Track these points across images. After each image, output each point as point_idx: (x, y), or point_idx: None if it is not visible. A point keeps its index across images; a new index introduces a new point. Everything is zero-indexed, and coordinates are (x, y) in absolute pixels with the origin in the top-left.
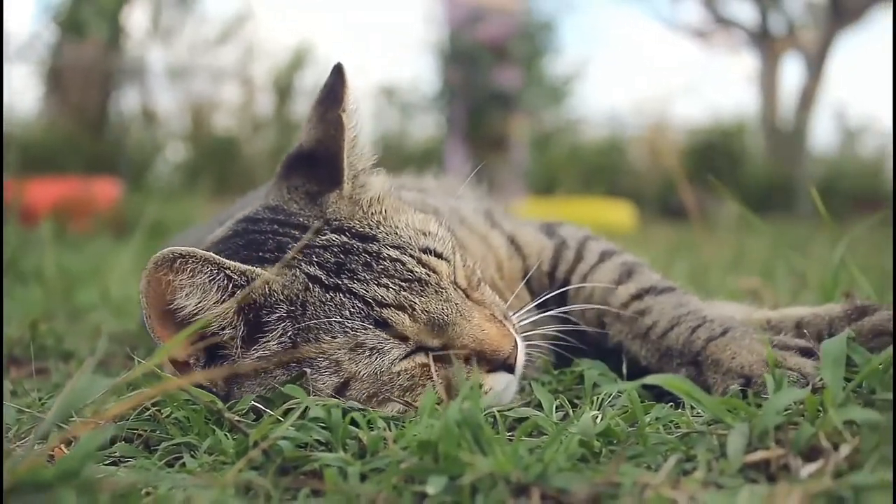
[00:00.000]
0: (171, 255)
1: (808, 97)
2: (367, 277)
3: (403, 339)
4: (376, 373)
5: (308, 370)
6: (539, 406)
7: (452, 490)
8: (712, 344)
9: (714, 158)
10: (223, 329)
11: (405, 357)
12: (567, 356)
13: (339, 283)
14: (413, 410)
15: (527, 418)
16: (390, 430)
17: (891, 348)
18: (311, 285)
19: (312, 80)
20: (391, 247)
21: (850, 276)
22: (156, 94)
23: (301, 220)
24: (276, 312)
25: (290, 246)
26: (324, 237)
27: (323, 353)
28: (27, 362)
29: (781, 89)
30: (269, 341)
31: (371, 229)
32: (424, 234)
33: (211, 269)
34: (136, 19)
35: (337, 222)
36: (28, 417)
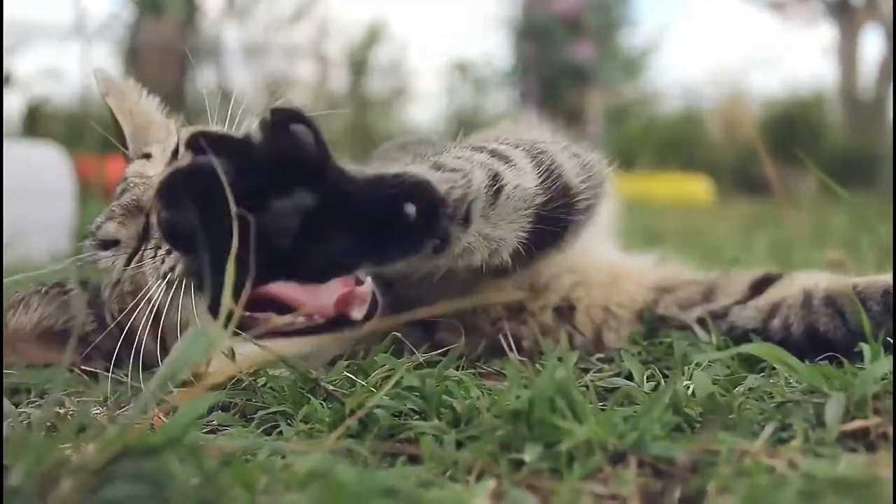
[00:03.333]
0: None
1: (888, 69)
2: None
3: None
4: None
5: None
6: (629, 377)
7: (548, 457)
8: None
9: (792, 131)
10: None
11: None
12: None
13: None
14: None
15: (617, 388)
16: (483, 398)
17: None
18: None
19: (386, 56)
20: None
21: None
22: (231, 71)
23: None
24: None
25: None
26: None
27: None
28: None
29: (861, 61)
30: None
31: None
32: None
33: None
34: None
35: None
36: (126, 387)
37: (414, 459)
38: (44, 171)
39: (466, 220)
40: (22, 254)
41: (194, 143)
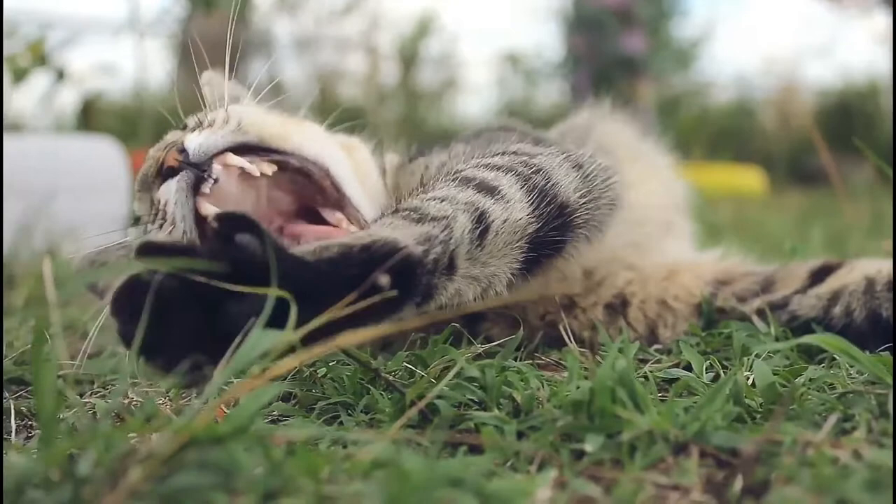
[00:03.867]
0: None
1: None
2: None
3: None
4: None
5: None
6: (687, 367)
7: (610, 447)
8: None
9: (846, 120)
10: None
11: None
12: None
13: None
14: None
15: (677, 379)
16: (543, 388)
17: None
18: None
19: (437, 48)
20: None
21: None
22: (282, 64)
23: None
24: None
25: None
26: None
27: None
28: None
29: None
30: None
31: None
32: None
33: None
34: None
35: None
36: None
37: (475, 450)
38: (99, 164)
39: (451, 269)
40: (78, 247)
41: (142, 251)
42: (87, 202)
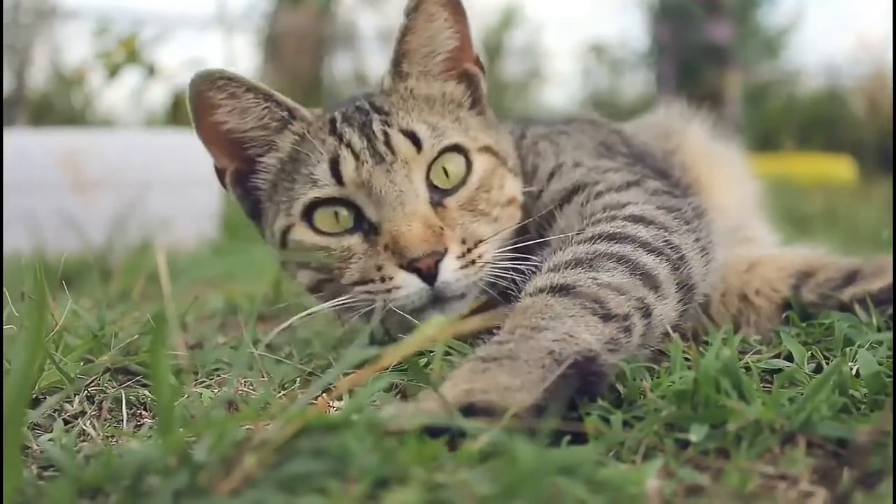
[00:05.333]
0: (213, 74)
1: None
2: (356, 131)
3: (340, 182)
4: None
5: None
6: (788, 358)
7: (715, 437)
8: None
9: None
10: (253, 148)
11: (330, 202)
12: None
13: (340, 126)
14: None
15: (779, 369)
16: (647, 380)
17: None
18: (326, 124)
19: (521, 38)
20: (383, 122)
21: None
22: (367, 58)
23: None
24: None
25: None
26: (359, 102)
27: (295, 172)
28: (272, 319)
29: None
30: (273, 157)
31: (388, 107)
32: (430, 126)
33: (253, 96)
34: None
35: (373, 97)
36: (291, 369)
37: (578, 439)
38: (190, 159)
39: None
40: (172, 239)
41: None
42: (179, 196)
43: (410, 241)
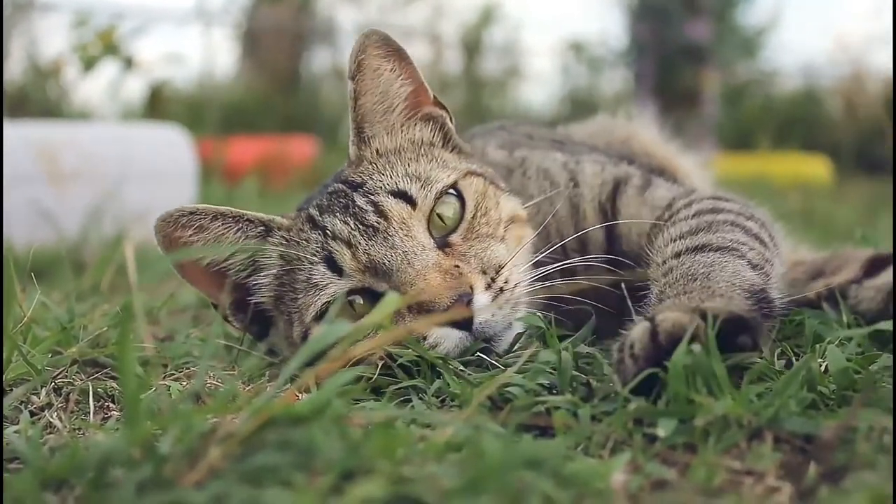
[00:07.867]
0: (173, 215)
1: None
2: (338, 217)
3: (341, 275)
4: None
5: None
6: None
7: (683, 432)
8: None
9: None
10: (241, 272)
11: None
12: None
13: (320, 220)
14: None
15: (750, 365)
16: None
17: None
18: (305, 223)
19: (501, 36)
20: (365, 193)
21: None
22: (346, 53)
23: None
24: (275, 249)
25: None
26: (331, 188)
27: (294, 282)
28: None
29: None
30: (265, 275)
31: (362, 178)
32: (415, 178)
33: (221, 223)
34: None
35: (344, 175)
36: (259, 360)
37: (545, 433)
38: (167, 152)
39: None
40: (148, 231)
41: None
42: (155, 189)
43: (434, 294)
